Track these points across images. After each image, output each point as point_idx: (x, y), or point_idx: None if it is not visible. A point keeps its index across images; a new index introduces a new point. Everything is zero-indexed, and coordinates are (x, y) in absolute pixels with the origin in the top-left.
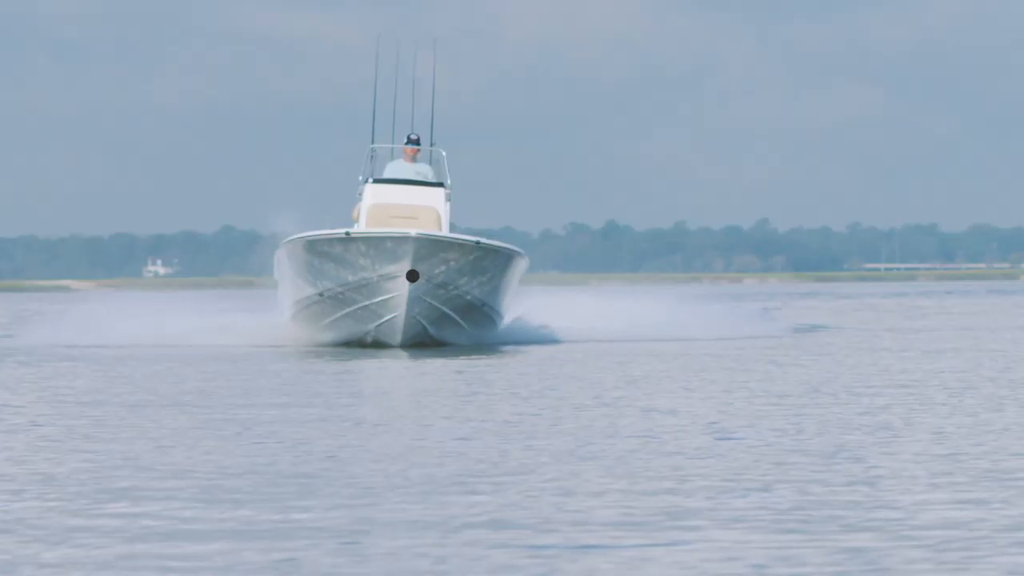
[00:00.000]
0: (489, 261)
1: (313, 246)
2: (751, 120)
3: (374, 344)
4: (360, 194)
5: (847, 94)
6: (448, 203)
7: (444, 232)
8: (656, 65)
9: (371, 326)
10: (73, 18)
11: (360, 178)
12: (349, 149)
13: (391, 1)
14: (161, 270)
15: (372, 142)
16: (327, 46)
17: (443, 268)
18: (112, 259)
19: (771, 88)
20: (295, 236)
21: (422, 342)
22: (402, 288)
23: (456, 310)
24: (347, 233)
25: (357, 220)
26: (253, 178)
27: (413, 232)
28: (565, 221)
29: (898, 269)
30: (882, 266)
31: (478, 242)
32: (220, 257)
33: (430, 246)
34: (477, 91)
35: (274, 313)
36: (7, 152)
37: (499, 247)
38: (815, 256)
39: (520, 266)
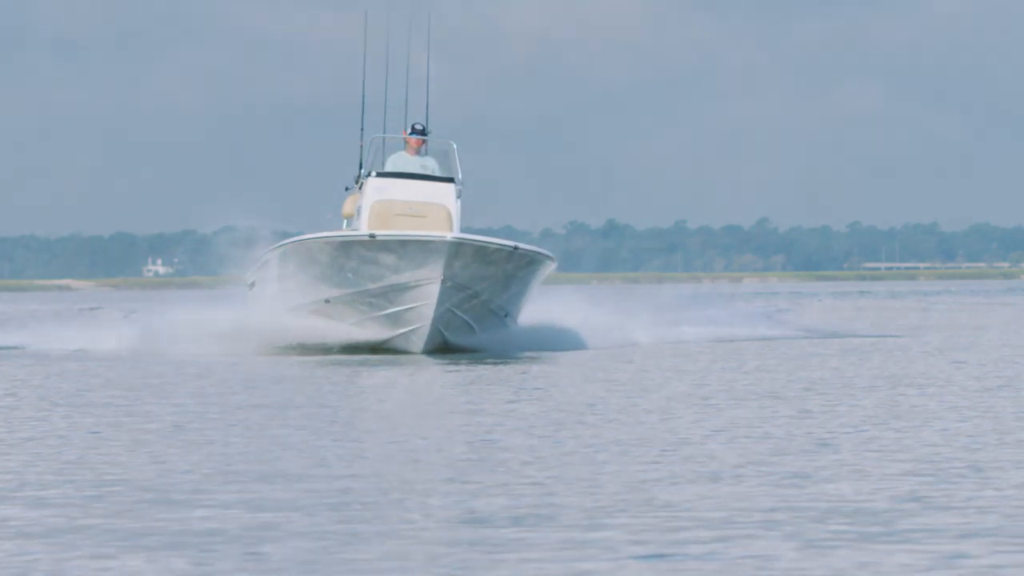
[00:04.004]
0: (522, 268)
1: (327, 248)
2: (751, 120)
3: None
4: (358, 188)
5: (847, 94)
6: (459, 200)
7: (456, 232)
8: (656, 65)
9: (392, 334)
10: (73, 18)
11: (362, 171)
12: (343, 147)
13: (391, 1)
14: (161, 269)
15: (361, 135)
16: (327, 46)
17: (477, 275)
18: (112, 259)
19: (771, 88)
20: (299, 237)
21: (436, 348)
22: (431, 296)
23: (477, 318)
24: (372, 235)
25: (351, 217)
26: (253, 178)
27: (449, 236)
28: (565, 221)
29: (898, 268)
30: (882, 265)
31: (516, 247)
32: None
33: (466, 251)
34: (477, 90)
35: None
36: (7, 152)
37: (535, 254)
38: (815, 255)
39: (547, 271)
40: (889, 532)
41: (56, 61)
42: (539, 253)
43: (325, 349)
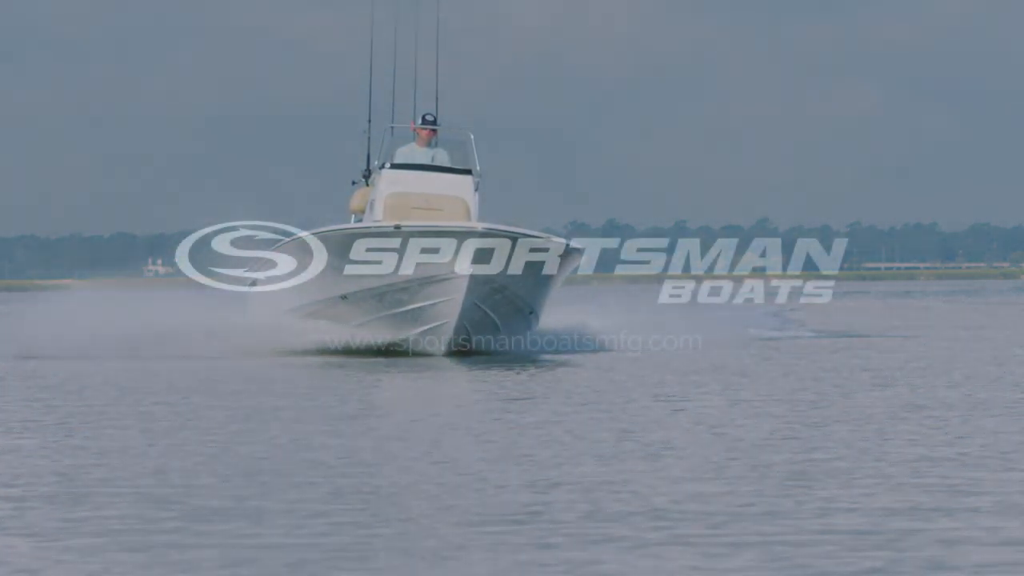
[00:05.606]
0: (551, 262)
1: (347, 241)
2: (751, 120)
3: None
4: (366, 182)
5: (847, 94)
6: (477, 193)
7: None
8: (656, 65)
9: (413, 332)
10: (73, 18)
11: (373, 163)
12: (344, 147)
13: (393, 1)
14: (161, 270)
15: (368, 127)
16: (328, 46)
17: (505, 269)
18: (112, 259)
19: (771, 88)
20: (313, 231)
21: (459, 348)
22: (458, 291)
23: (503, 315)
24: (397, 226)
25: (362, 212)
26: (254, 178)
27: (480, 226)
28: (565, 221)
29: (898, 268)
30: (882, 265)
31: (548, 239)
32: None
33: (496, 243)
34: (477, 91)
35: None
36: (7, 152)
37: (568, 247)
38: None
39: (575, 264)
40: (881, 532)
41: (56, 61)
42: (570, 246)
43: (335, 350)
